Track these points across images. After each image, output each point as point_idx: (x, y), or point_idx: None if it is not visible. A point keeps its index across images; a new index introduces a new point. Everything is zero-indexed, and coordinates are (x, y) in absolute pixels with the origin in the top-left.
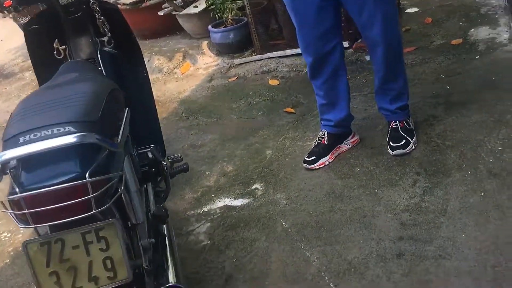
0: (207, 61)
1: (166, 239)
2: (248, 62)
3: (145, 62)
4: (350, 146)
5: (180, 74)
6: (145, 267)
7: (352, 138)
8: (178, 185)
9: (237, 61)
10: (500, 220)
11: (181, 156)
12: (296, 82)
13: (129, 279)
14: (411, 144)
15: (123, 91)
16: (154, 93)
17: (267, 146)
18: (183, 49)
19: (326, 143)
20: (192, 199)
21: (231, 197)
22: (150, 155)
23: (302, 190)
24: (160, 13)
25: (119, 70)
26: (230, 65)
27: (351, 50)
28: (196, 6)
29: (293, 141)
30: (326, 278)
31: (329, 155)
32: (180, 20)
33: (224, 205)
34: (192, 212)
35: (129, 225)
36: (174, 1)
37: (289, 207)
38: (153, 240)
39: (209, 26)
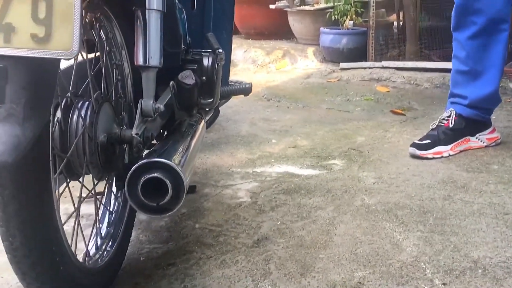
0: (308, 64)
1: (189, 131)
2: (356, 68)
3: (242, 52)
4: (485, 144)
5: (274, 69)
6: (134, 135)
7: (490, 133)
8: (232, 144)
9: (343, 65)
10: None
11: (249, 84)
12: (411, 93)
13: (71, 53)
14: None
15: None
16: (240, 79)
17: (360, 134)
18: (285, 48)
19: (450, 126)
20: (244, 159)
21: (297, 165)
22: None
23: (401, 174)
24: (272, 6)
25: None
26: (334, 70)
27: None
28: (312, 6)
29: (397, 134)
30: (428, 271)
31: (452, 145)
32: (291, 19)
33: (285, 171)
34: (239, 169)
35: (135, 62)
36: None
37: (378, 186)
38: (161, 106)
39: (321, 28)
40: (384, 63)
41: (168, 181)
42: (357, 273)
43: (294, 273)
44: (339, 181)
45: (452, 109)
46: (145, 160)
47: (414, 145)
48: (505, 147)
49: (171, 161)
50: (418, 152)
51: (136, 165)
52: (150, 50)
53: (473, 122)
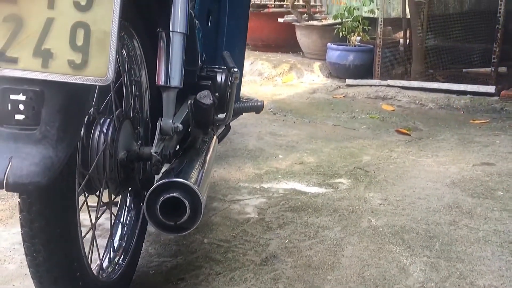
0: (314, 79)
1: (203, 148)
2: (361, 85)
3: (248, 64)
4: None
5: (280, 82)
6: (153, 153)
7: None
8: (239, 157)
9: (349, 81)
10: None
11: (261, 101)
12: (416, 113)
13: (106, 80)
14: None
15: None
16: (246, 91)
17: (366, 153)
18: (292, 62)
19: None
20: (251, 174)
21: (304, 183)
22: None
23: (407, 196)
24: (281, 20)
25: None
26: (339, 86)
27: (496, 98)
28: (320, 21)
29: (403, 154)
30: None
31: None
32: (298, 33)
33: (292, 188)
34: (246, 184)
35: (157, 82)
36: (299, 11)
37: (385, 208)
38: (180, 125)
39: (328, 43)
40: (390, 82)
41: (186, 201)
42: None
43: None
44: (345, 200)
45: None
46: (164, 180)
47: None
48: (508, 173)
49: (188, 180)
50: None
51: (155, 185)
52: (172, 71)
53: None
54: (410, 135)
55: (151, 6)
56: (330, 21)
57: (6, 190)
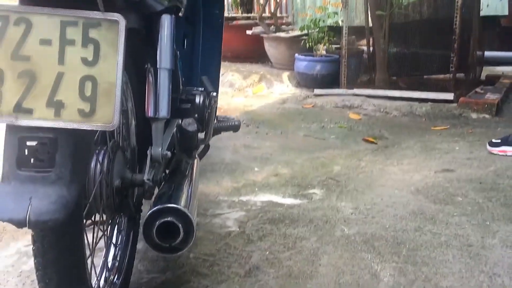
0: (284, 89)
1: (188, 169)
2: (329, 94)
3: (219, 76)
4: None
5: (251, 93)
6: (145, 180)
7: None
8: (217, 172)
9: (317, 91)
10: None
11: (238, 121)
12: (381, 121)
13: (113, 126)
14: None
15: None
16: (220, 104)
17: (336, 163)
18: (261, 72)
19: None
20: (230, 187)
21: (280, 195)
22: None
23: (376, 204)
24: (249, 32)
25: None
26: (308, 96)
27: (455, 104)
28: (287, 33)
29: (370, 163)
30: None
31: None
32: (266, 45)
33: (269, 200)
34: (226, 198)
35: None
36: (267, 23)
37: (356, 217)
38: (168, 153)
39: (296, 54)
40: (356, 91)
41: (180, 224)
42: None
43: None
44: (319, 210)
45: None
46: (159, 206)
47: (489, 143)
48: (468, 179)
49: (179, 204)
50: (488, 148)
51: (151, 211)
52: (160, 103)
53: None
54: (376, 143)
55: (137, 44)
56: (297, 32)
57: (28, 228)
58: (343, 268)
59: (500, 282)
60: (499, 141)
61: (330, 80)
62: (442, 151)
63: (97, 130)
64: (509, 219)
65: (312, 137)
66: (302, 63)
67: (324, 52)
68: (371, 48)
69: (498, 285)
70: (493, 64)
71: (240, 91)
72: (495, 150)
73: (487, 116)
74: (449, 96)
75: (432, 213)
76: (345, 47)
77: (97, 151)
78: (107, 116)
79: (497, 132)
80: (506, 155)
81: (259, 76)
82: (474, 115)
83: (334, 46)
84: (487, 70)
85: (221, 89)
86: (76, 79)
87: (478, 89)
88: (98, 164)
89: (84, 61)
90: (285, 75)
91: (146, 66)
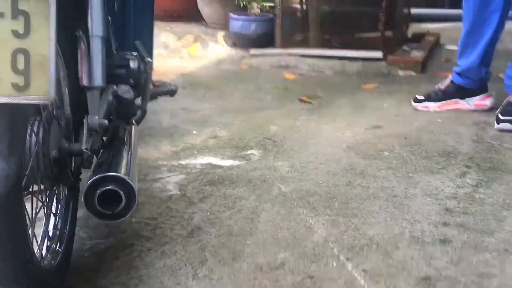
0: (219, 50)
1: (126, 136)
2: (265, 55)
3: (153, 38)
4: (473, 108)
5: (186, 54)
6: (83, 150)
7: (481, 100)
8: (155, 136)
9: (252, 51)
10: None
11: (175, 85)
12: (316, 80)
13: (48, 99)
14: None
15: None
16: (154, 66)
17: (273, 123)
18: (196, 32)
19: (442, 89)
20: (168, 151)
21: (218, 157)
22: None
23: (311, 162)
24: None
25: None
26: (244, 56)
27: (384, 62)
28: None
29: (306, 122)
30: (335, 249)
31: (440, 103)
32: (200, 2)
33: (208, 162)
34: (165, 162)
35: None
36: None
37: (292, 175)
38: (105, 121)
39: (231, 13)
40: (291, 51)
41: (122, 192)
42: (279, 255)
43: (227, 259)
44: (257, 171)
45: (451, 76)
46: (99, 175)
47: (414, 99)
48: (394, 135)
49: (120, 172)
50: (413, 104)
51: (91, 180)
52: (94, 72)
53: (463, 89)
54: (311, 103)
55: (67, 10)
56: None
57: None
58: (280, 224)
59: (420, 228)
60: (423, 97)
61: (266, 40)
62: (372, 108)
63: (37, 104)
64: (429, 170)
65: (249, 98)
66: (237, 23)
67: (258, 11)
68: (304, 7)
69: (418, 230)
70: (420, 21)
71: (175, 52)
72: (419, 106)
73: (413, 73)
74: (378, 54)
75: (362, 168)
76: (279, 6)
77: (31, 122)
78: (42, 89)
79: (421, 89)
80: (428, 111)
81: (194, 36)
82: (401, 73)
83: (268, 5)
84: (414, 28)
85: (155, 50)
86: (7, 52)
87: (405, 47)
88: (33, 135)
89: (15, 33)
90: (221, 35)
91: (77, 33)
